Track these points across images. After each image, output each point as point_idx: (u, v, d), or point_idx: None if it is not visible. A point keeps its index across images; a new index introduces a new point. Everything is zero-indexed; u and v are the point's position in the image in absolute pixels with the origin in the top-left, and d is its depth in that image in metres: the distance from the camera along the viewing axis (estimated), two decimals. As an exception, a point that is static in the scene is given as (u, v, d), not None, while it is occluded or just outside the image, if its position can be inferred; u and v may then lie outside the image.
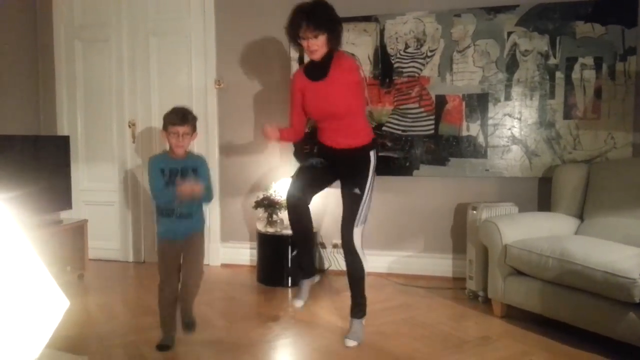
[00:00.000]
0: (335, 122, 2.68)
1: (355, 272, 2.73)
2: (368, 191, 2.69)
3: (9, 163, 3.42)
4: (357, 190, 2.67)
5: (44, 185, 3.64)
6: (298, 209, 2.71)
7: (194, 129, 2.60)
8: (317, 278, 2.95)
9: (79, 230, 3.93)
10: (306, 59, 2.79)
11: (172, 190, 2.47)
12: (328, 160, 2.78)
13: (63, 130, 4.61)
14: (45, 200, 3.66)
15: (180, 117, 2.54)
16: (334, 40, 2.61)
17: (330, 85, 2.63)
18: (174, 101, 4.06)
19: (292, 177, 2.83)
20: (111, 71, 4.53)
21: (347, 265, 2.74)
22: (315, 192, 2.81)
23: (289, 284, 3.74)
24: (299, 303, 2.79)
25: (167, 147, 2.63)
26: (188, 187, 2.44)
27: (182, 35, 4.36)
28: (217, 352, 2.60)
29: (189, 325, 2.62)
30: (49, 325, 0.80)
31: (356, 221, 2.67)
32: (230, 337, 2.81)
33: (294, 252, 2.86)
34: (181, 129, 2.52)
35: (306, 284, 2.84)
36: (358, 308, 2.77)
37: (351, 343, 2.66)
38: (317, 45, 2.56)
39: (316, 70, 2.68)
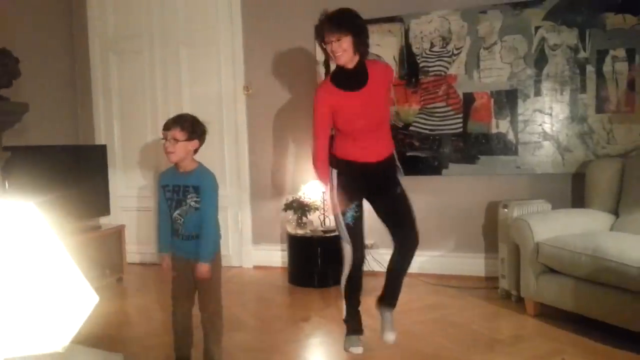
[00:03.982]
0: (375, 132, 2.57)
1: (408, 265, 2.67)
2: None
3: (49, 172, 3.58)
4: (399, 190, 2.64)
5: (84, 192, 3.79)
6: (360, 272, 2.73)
7: (189, 135, 2.27)
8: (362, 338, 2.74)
9: (117, 235, 4.08)
10: (332, 66, 2.71)
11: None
12: (356, 178, 2.61)
13: (100, 139, 4.79)
14: (84, 207, 3.81)
15: (171, 121, 2.30)
16: (361, 45, 2.50)
17: (370, 93, 2.53)
18: (205, 108, 4.22)
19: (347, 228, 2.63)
20: (144, 81, 4.68)
21: (405, 257, 2.65)
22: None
23: (316, 284, 3.77)
24: (358, 349, 2.64)
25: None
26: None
27: (211, 44, 4.46)
28: (249, 351, 2.66)
29: None
30: (78, 318, 0.86)
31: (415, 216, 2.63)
32: (262, 337, 2.87)
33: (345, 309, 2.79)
34: (168, 133, 2.27)
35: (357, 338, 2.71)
36: (396, 298, 2.71)
37: (392, 336, 2.62)
38: (341, 49, 2.45)
39: (350, 80, 2.54)
